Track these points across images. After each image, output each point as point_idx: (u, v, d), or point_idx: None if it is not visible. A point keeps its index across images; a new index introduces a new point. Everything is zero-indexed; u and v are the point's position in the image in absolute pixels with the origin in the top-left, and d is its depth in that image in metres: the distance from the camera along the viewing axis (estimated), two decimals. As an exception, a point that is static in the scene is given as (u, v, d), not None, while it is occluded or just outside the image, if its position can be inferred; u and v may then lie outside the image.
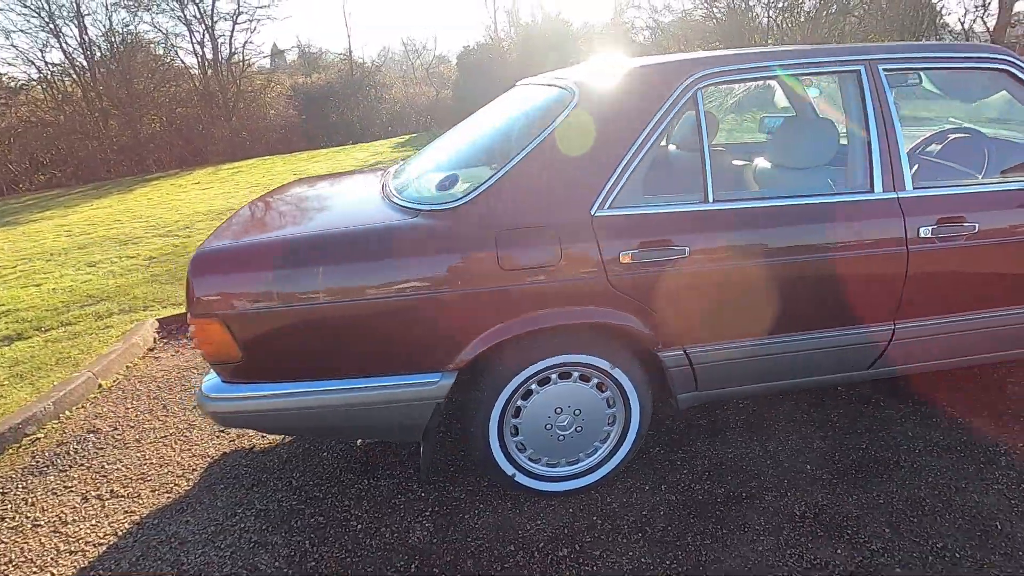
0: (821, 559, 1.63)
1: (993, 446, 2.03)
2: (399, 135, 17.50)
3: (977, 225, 1.82)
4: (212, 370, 1.81)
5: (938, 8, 16.29)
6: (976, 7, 16.01)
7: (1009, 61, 1.91)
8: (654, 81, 1.74)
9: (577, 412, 1.85)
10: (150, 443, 2.46)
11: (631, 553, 1.72)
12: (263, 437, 2.44)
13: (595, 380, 1.84)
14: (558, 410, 1.84)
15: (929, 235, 1.80)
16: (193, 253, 1.71)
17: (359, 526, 1.91)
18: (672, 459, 2.10)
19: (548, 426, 1.86)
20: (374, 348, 1.70)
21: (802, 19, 16.65)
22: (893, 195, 1.81)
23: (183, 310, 3.49)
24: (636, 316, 1.72)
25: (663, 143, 2.49)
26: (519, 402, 1.82)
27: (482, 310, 1.67)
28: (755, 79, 1.82)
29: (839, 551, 1.65)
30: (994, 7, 15.80)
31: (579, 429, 1.88)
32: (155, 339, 3.59)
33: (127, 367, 3.23)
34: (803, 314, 1.84)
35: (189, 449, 2.41)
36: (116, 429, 2.60)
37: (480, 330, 1.68)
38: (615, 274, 1.68)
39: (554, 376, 1.81)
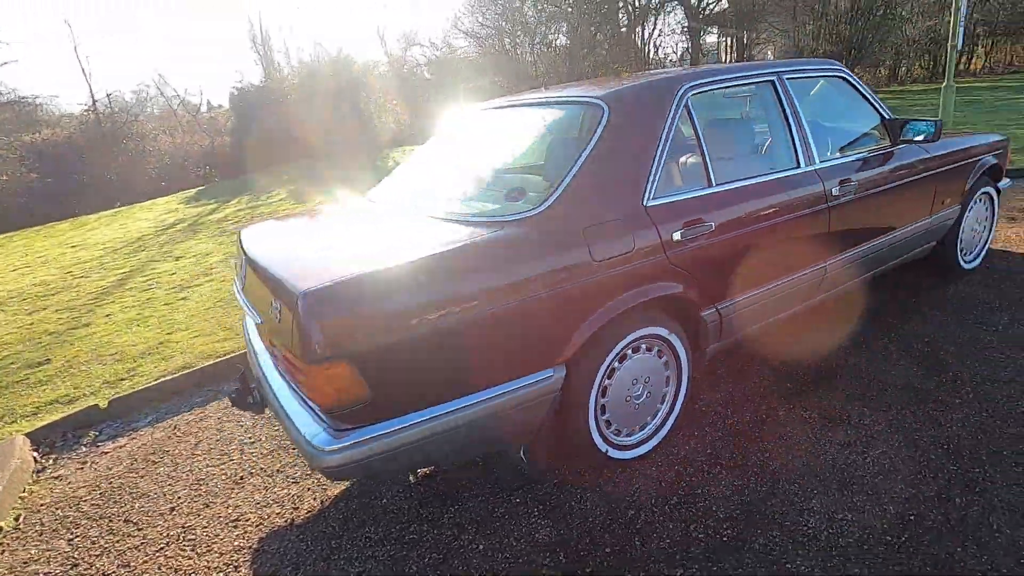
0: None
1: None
2: (176, 191, 15.45)
3: (855, 182, 2.58)
4: (298, 427, 1.65)
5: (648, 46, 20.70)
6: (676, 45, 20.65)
7: (842, 70, 2.76)
8: (661, 91, 2.12)
9: (647, 380, 2.12)
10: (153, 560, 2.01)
11: (722, 481, 2.04)
12: (307, 515, 2.18)
13: (656, 348, 2.12)
14: (634, 381, 2.08)
15: (837, 193, 2.50)
16: (297, 295, 1.56)
17: (481, 547, 1.89)
18: (694, 407, 2.48)
19: (628, 398, 2.08)
20: (496, 356, 1.74)
21: (558, 54, 19.32)
22: (812, 167, 2.46)
23: (51, 417, 3.04)
24: (686, 285, 2.06)
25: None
26: (606, 381, 2.01)
27: (583, 302, 1.84)
28: (722, 89, 2.32)
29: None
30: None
31: (649, 395, 2.14)
32: (35, 459, 2.81)
33: (21, 498, 2.50)
34: (784, 262, 2.40)
35: (209, 552, 2.04)
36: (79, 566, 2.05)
37: (583, 320, 1.85)
38: (671, 251, 2.00)
39: (629, 352, 2.04)
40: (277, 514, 2.17)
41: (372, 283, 1.56)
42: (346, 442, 1.58)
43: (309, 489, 2.29)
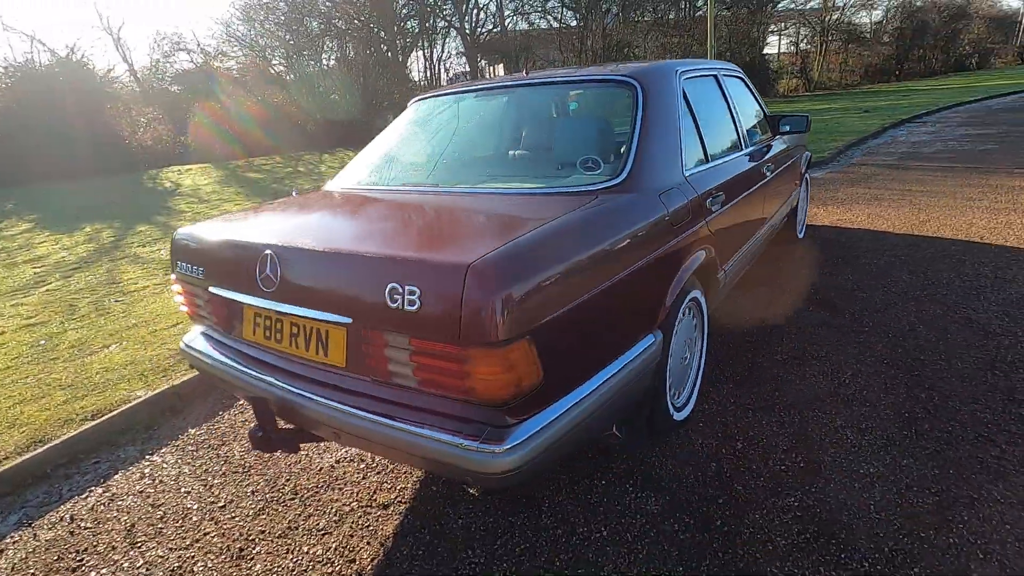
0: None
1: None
2: None
3: (771, 163, 3.11)
4: (434, 437, 1.36)
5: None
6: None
7: (742, 73, 3.30)
8: (669, 73, 2.27)
9: (688, 342, 2.24)
10: None
11: (763, 421, 2.26)
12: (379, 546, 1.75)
13: (691, 310, 2.26)
14: (686, 342, 2.18)
15: (766, 171, 2.98)
16: (464, 268, 1.27)
17: (603, 533, 1.77)
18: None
19: (681, 360, 2.17)
20: (622, 322, 1.68)
21: (311, 70, 18.84)
22: (749, 150, 2.90)
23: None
24: (713, 249, 2.25)
25: None
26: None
27: (669, 265, 1.88)
28: (699, 76, 2.57)
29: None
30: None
31: (689, 355, 2.26)
32: None
33: None
34: (752, 228, 2.78)
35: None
36: None
37: (670, 283, 1.89)
38: (707, 218, 2.16)
39: (684, 314, 2.14)
40: (337, 574, 1.72)
41: (530, 251, 1.38)
42: (522, 436, 1.35)
43: (356, 533, 1.86)
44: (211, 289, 1.84)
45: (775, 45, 29.44)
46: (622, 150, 1.94)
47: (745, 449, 2.11)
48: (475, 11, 20.27)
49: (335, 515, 1.96)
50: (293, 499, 2.06)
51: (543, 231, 1.45)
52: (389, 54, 19.88)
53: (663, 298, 1.86)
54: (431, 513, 1.93)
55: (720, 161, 2.50)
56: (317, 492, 2.09)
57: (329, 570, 1.74)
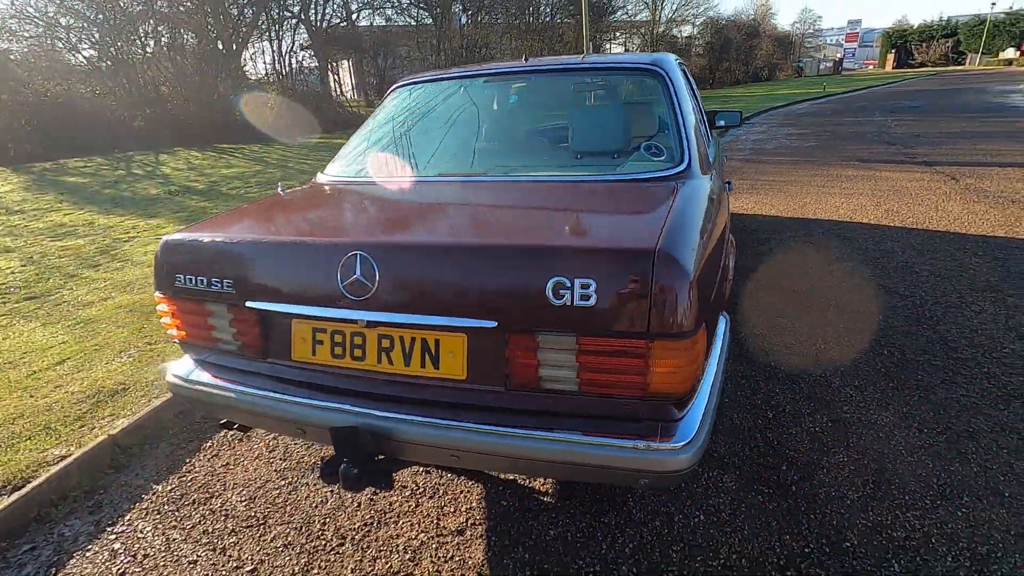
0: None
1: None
2: None
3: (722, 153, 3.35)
4: (599, 444, 1.25)
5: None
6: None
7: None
8: (675, 63, 2.32)
9: None
10: None
11: (784, 392, 2.44)
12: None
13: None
14: None
15: (724, 159, 3.20)
16: (651, 254, 1.17)
17: (700, 517, 1.77)
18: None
19: None
20: (720, 305, 1.69)
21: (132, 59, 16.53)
22: (714, 139, 3.09)
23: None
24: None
25: None
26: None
27: (725, 247, 1.93)
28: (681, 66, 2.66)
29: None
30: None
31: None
32: None
33: None
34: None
35: None
36: None
37: (728, 262, 1.94)
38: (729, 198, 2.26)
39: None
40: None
41: (686, 237, 1.31)
42: (692, 427, 1.29)
43: (443, 568, 1.64)
44: (250, 304, 1.49)
45: (612, 50, 31.99)
46: (671, 136, 1.95)
47: (776, 417, 2.26)
48: (321, 3, 19.07)
49: (407, 553, 1.71)
50: (343, 544, 1.76)
51: (682, 218, 1.40)
52: (221, 45, 17.88)
53: (728, 276, 1.91)
54: (514, 529, 1.77)
55: (710, 147, 2.64)
56: (369, 531, 1.81)
57: (432, 615, 1.52)
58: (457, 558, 1.68)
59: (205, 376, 1.66)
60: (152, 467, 2.19)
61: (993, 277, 3.51)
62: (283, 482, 2.06)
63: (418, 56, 20.57)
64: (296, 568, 1.69)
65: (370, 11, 20.68)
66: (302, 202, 1.93)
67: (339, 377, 1.48)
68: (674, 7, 30.95)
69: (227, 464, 2.18)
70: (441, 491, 1.96)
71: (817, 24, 46.48)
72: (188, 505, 1.98)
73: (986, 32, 40.77)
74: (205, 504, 1.98)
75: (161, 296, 1.65)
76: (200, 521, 1.90)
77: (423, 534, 1.78)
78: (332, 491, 1.99)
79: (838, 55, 49.55)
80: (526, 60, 2.39)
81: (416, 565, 1.67)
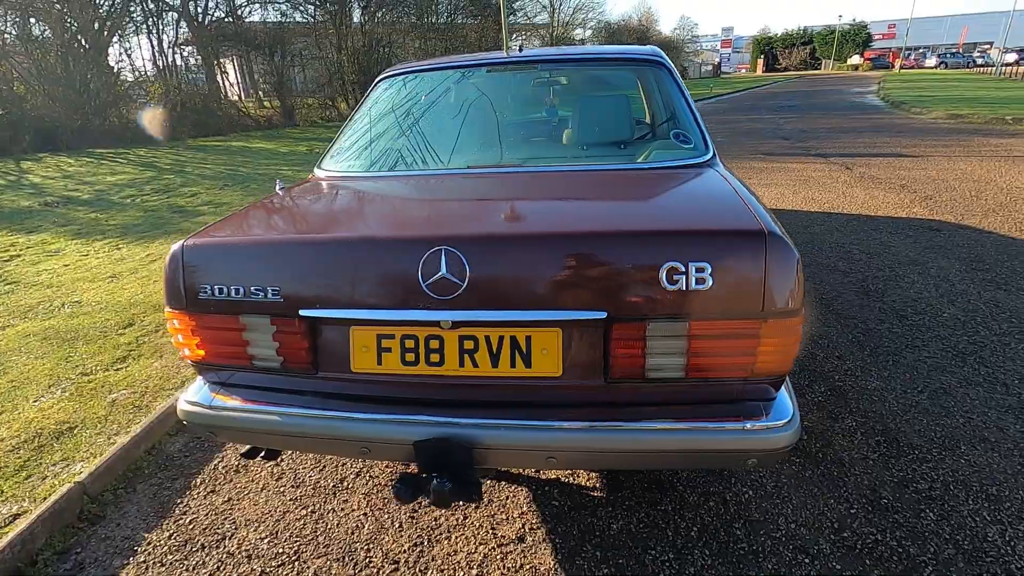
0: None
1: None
2: None
3: None
4: (718, 428, 1.25)
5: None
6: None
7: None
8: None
9: None
10: None
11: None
12: None
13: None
14: None
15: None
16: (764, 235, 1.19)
17: (789, 508, 1.82)
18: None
19: None
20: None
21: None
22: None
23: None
24: None
25: None
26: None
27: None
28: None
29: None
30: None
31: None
32: None
33: None
34: None
35: None
36: None
37: None
38: None
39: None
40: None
41: (773, 219, 1.33)
42: (789, 404, 1.32)
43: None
44: (304, 313, 1.32)
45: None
46: (690, 125, 1.98)
47: (781, 391, 2.38)
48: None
49: (472, 568, 1.61)
50: (397, 570, 1.62)
51: (755, 202, 1.41)
52: (83, 38, 15.91)
53: None
54: (575, 528, 1.72)
55: None
56: (422, 551, 1.67)
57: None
58: (527, 566, 1.60)
59: (233, 400, 1.45)
60: (136, 514, 1.89)
61: (912, 252, 3.95)
62: (304, 511, 1.86)
63: (319, 55, 19.61)
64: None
65: (260, 5, 19.40)
66: (330, 198, 1.75)
67: (412, 387, 1.35)
68: (570, 11, 32.02)
69: (230, 499, 1.93)
70: (485, 499, 1.86)
71: (695, 31, 50.08)
72: (198, 551, 1.72)
73: (836, 41, 46.17)
74: (218, 547, 1.73)
75: (176, 311, 1.42)
76: (220, 567, 1.66)
77: (482, 546, 1.68)
78: (365, 513, 1.83)
79: (716, 60, 53.74)
80: (520, 50, 2.33)
81: (486, 580, 1.57)
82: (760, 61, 50.68)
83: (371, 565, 1.64)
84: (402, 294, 1.27)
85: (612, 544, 1.66)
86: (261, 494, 1.95)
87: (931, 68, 42.93)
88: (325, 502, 1.89)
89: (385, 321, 1.31)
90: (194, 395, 1.49)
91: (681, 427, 1.26)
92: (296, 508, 1.87)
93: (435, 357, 1.32)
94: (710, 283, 1.18)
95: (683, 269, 1.18)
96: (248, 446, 1.67)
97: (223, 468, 2.10)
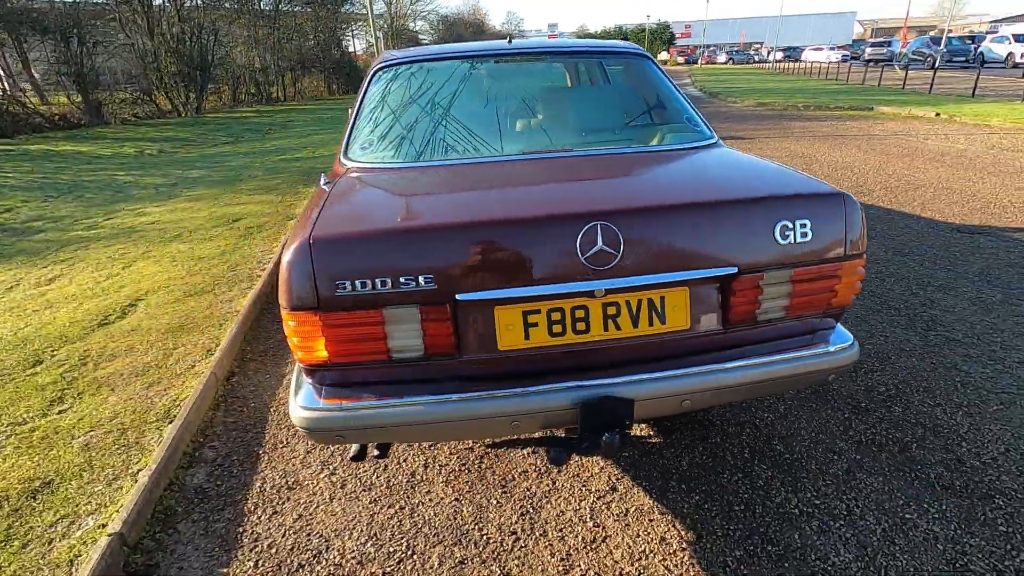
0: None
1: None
2: None
3: None
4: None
5: None
6: None
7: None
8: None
9: None
10: None
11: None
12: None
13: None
14: None
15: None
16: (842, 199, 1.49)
17: (879, 483, 2.19)
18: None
19: None
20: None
21: None
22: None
23: None
24: None
25: None
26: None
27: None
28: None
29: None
30: None
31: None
32: None
33: None
34: None
35: None
36: None
37: None
38: None
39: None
40: None
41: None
42: (845, 330, 1.66)
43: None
44: (461, 297, 1.34)
45: (352, 45, 31.19)
46: (687, 111, 2.25)
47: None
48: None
49: (586, 520, 1.74)
50: (518, 540, 1.69)
51: (795, 169, 1.72)
52: None
53: None
54: (654, 470, 1.93)
55: None
56: (531, 518, 1.76)
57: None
58: (631, 508, 1.78)
59: (364, 398, 1.42)
60: (195, 554, 1.70)
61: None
62: (392, 509, 1.83)
63: (127, 42, 16.96)
64: (498, 573, 1.58)
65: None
66: (423, 185, 1.76)
67: (557, 357, 1.45)
68: (408, 3, 31.59)
69: (300, 516, 1.82)
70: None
71: (521, 26, 52.12)
72: (300, 570, 1.62)
73: (647, 38, 51.65)
74: (320, 561, 1.65)
75: (301, 312, 1.34)
76: (335, 578, 1.59)
77: (583, 501, 1.82)
78: (455, 499, 1.85)
79: (546, 53, 56.97)
80: (510, 42, 2.44)
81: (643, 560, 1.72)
82: (585, 56, 54.95)
83: (491, 540, 1.69)
84: (559, 269, 1.36)
85: (690, 476, 1.91)
86: (333, 504, 1.86)
87: (723, 63, 50.01)
88: (409, 497, 1.87)
89: (534, 297, 1.38)
90: (311, 400, 1.42)
91: (786, 358, 1.52)
92: (382, 509, 1.83)
93: (581, 326, 1.43)
94: (810, 236, 1.46)
95: (791, 226, 1.44)
96: (357, 449, 1.62)
97: (272, 488, 1.95)
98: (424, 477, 1.96)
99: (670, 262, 1.42)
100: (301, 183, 6.82)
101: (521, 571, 1.59)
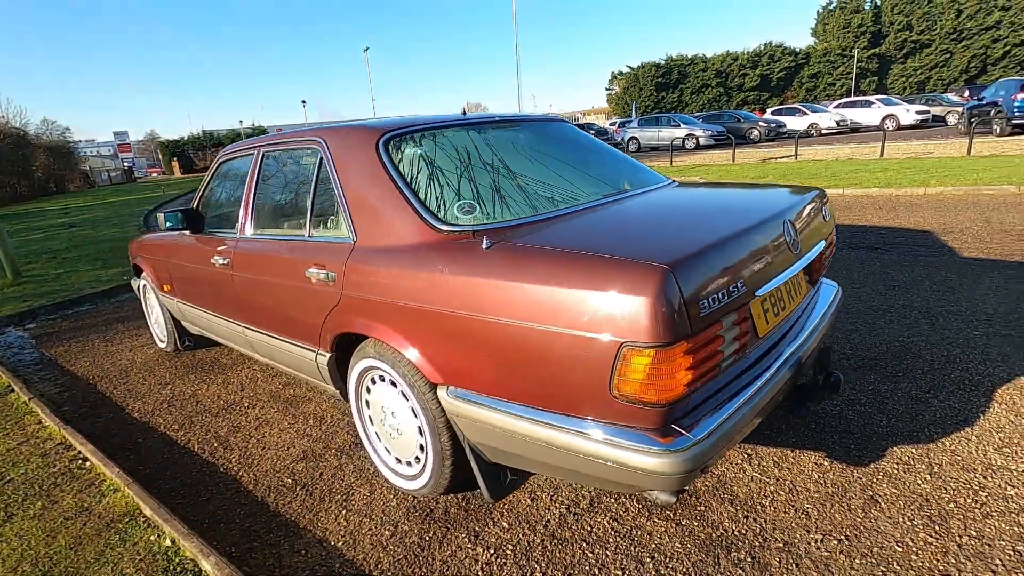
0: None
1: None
2: None
3: None
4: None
5: None
6: None
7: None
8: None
9: None
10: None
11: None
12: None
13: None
14: None
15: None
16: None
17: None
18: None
19: None
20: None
21: None
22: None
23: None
24: None
25: None
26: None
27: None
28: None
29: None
30: None
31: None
32: None
33: None
34: None
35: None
36: None
37: None
38: None
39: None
40: None
41: None
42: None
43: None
44: (759, 293, 1.63)
45: None
46: (631, 160, 2.88)
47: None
48: None
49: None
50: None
51: None
52: None
53: None
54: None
55: None
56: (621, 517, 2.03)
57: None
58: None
59: (705, 417, 1.52)
60: None
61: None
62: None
63: None
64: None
65: None
66: (596, 224, 1.88)
67: (773, 331, 1.85)
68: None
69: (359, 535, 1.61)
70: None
71: (66, 135, 42.10)
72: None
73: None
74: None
75: (669, 348, 1.35)
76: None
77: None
78: (527, 496, 1.96)
79: (126, 164, 49.29)
80: (464, 114, 2.60)
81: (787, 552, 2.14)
82: (176, 163, 49.76)
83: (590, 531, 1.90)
84: (782, 258, 1.80)
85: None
86: (384, 528, 1.70)
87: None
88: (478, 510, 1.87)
89: (773, 287, 1.75)
90: (642, 444, 1.43)
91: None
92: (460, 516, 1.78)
93: (781, 304, 1.88)
94: (823, 218, 2.31)
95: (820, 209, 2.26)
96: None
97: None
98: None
99: (812, 243, 2.05)
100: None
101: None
